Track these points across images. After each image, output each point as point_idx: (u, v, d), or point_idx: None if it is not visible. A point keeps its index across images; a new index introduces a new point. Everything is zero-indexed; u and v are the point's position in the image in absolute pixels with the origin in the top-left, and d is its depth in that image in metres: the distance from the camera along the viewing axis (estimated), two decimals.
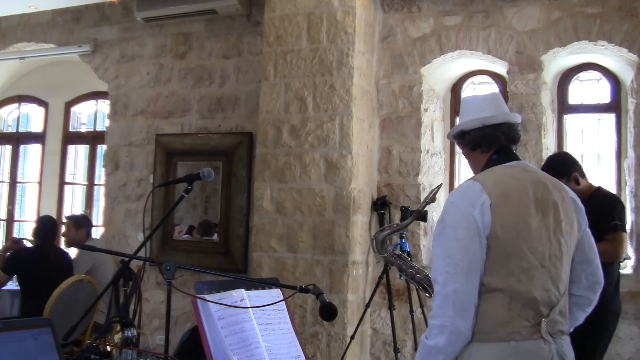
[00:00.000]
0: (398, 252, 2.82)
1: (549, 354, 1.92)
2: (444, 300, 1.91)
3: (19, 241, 5.44)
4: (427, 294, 2.50)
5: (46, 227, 4.86)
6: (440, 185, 3.04)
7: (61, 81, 7.02)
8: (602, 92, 4.77)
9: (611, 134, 4.70)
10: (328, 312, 2.09)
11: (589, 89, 4.83)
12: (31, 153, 7.47)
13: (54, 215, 6.21)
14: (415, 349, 4.33)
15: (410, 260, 2.71)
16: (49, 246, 4.75)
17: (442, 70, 4.99)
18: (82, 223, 5.17)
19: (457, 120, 2.34)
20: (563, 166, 3.60)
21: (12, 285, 5.00)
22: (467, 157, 2.27)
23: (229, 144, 5.41)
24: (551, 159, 3.90)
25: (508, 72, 4.64)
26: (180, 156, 5.61)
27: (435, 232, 2.05)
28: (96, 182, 6.78)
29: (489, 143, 2.15)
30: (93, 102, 7.07)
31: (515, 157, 2.16)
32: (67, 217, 5.27)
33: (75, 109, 7.16)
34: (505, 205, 1.95)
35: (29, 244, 5.17)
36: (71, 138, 7.12)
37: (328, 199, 4.46)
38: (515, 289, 1.91)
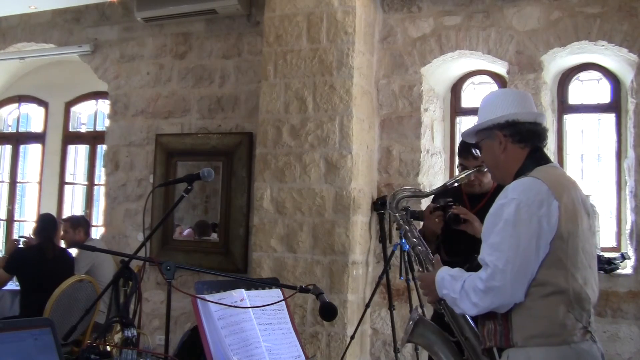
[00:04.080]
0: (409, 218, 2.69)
1: (598, 353, 1.97)
2: (486, 291, 1.91)
3: (15, 240, 5.50)
4: (420, 269, 2.46)
5: (44, 224, 4.90)
6: (475, 169, 2.84)
7: (61, 81, 7.02)
8: (602, 92, 4.76)
9: (611, 134, 4.70)
10: (328, 312, 2.09)
11: (589, 89, 4.83)
12: (31, 153, 7.47)
13: (54, 215, 6.21)
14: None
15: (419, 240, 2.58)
16: (47, 243, 4.77)
17: (442, 70, 4.99)
18: (79, 223, 5.18)
19: (496, 109, 2.15)
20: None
21: (12, 285, 5.01)
22: (500, 150, 2.13)
23: (229, 144, 5.41)
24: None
25: (508, 72, 4.64)
26: (180, 156, 5.61)
27: (487, 224, 2.01)
28: (96, 182, 6.78)
29: (534, 140, 2.12)
30: (93, 102, 7.06)
31: (550, 159, 2.17)
32: (64, 219, 5.28)
33: (75, 109, 7.16)
34: (568, 207, 1.96)
35: (22, 243, 5.24)
36: (71, 138, 7.11)
37: (328, 199, 4.46)
38: (575, 290, 1.93)
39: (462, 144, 3.00)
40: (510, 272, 1.88)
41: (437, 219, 2.96)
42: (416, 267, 2.54)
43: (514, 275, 1.89)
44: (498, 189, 2.87)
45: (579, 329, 1.93)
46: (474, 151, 2.94)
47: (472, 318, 2.22)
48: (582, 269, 1.96)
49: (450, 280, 2.04)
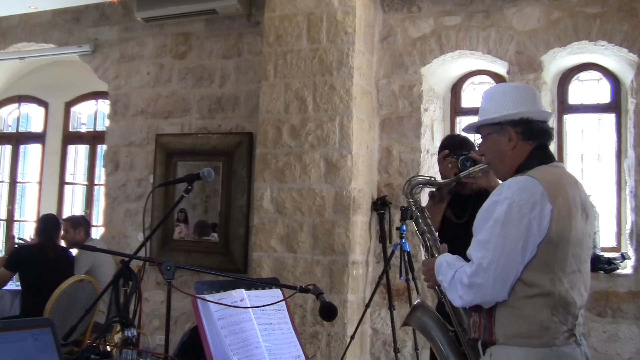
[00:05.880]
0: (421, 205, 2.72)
1: (582, 357, 1.96)
2: (470, 286, 1.93)
3: (12, 237, 5.53)
4: (426, 255, 2.48)
5: (46, 224, 4.90)
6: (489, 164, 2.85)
7: (61, 81, 7.02)
8: (602, 92, 4.77)
9: (611, 134, 4.70)
10: (328, 312, 2.09)
11: (589, 89, 4.83)
12: (31, 153, 7.47)
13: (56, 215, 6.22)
14: (415, 349, 4.33)
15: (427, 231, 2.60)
16: (48, 243, 4.77)
17: (442, 70, 4.99)
18: (79, 223, 5.18)
19: (508, 104, 2.08)
20: (473, 146, 3.13)
21: (12, 285, 5.02)
22: (509, 146, 2.08)
23: (229, 144, 5.41)
24: (460, 137, 3.62)
25: (508, 72, 4.64)
26: (180, 156, 5.61)
27: (478, 219, 2.01)
28: (96, 182, 6.78)
29: (541, 137, 2.09)
30: (93, 102, 7.07)
31: (554, 157, 2.15)
32: (64, 219, 5.28)
33: (75, 109, 7.16)
34: (562, 210, 1.93)
35: (17, 242, 5.27)
36: (71, 138, 7.11)
37: (328, 199, 4.46)
38: (560, 294, 1.92)
39: (454, 142, 3.15)
40: (493, 271, 1.89)
41: (450, 165, 3.01)
42: (424, 254, 2.56)
43: (497, 275, 1.89)
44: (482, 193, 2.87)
45: (562, 332, 1.91)
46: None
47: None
48: (570, 273, 1.94)
49: (446, 267, 2.05)
